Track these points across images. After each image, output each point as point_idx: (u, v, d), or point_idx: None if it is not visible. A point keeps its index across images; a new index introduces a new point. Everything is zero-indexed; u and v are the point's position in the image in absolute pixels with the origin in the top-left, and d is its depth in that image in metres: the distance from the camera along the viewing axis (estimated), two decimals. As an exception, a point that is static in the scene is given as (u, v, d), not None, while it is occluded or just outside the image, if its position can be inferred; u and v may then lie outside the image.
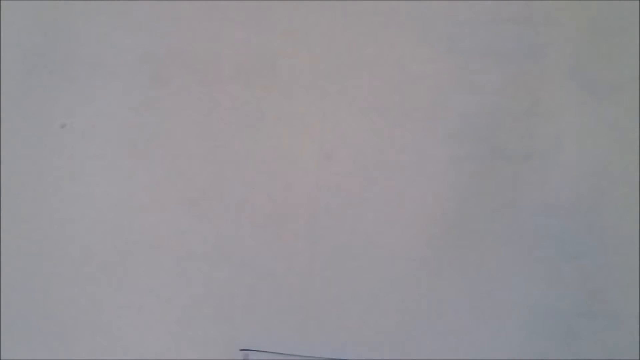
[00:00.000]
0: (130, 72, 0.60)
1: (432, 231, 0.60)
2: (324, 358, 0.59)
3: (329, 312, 0.59)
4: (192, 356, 0.59)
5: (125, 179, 0.60)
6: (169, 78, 0.60)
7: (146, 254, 0.59)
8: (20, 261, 0.59)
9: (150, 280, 0.59)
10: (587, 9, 0.60)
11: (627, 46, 0.60)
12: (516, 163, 0.60)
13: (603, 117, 0.59)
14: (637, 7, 0.60)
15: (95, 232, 0.59)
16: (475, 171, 0.60)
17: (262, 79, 0.60)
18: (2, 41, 0.58)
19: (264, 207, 0.60)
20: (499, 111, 0.60)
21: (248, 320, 0.59)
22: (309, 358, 0.59)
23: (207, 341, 0.59)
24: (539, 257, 0.59)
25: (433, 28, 0.61)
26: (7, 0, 0.58)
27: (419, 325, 0.59)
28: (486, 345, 0.59)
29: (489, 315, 0.59)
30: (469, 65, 0.59)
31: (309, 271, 0.59)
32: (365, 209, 0.60)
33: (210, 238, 0.60)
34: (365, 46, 0.61)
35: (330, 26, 0.61)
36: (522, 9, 0.61)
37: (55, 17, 0.60)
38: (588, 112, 0.59)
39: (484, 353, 0.59)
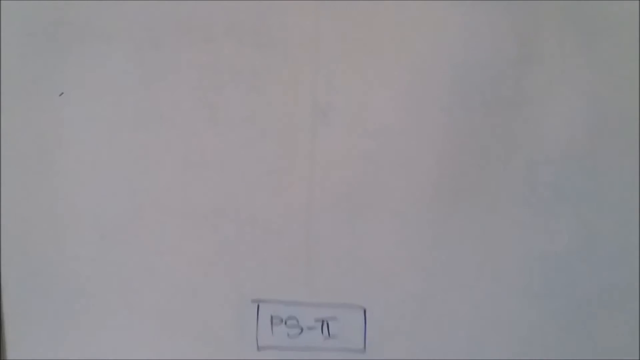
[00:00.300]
0: (123, 36, 0.60)
1: (428, 181, 0.59)
2: (331, 302, 0.61)
3: (332, 261, 0.60)
4: (208, 310, 0.62)
5: (128, 141, 0.62)
6: (160, 40, 0.60)
7: (153, 214, 0.62)
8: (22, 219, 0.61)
9: (159, 240, 0.62)
10: None
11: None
12: (509, 110, 0.58)
13: (597, 60, 0.57)
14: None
15: (101, 193, 0.62)
16: (468, 120, 0.59)
17: (254, 36, 0.59)
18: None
19: (261, 163, 0.61)
20: (490, 58, 0.58)
21: (256, 273, 0.62)
22: (317, 303, 0.61)
23: (219, 296, 0.62)
24: (535, 204, 0.57)
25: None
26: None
27: (417, 272, 0.60)
28: (485, 294, 0.59)
29: (489, 264, 0.59)
30: (458, 12, 0.57)
31: (310, 222, 0.60)
32: (361, 161, 0.60)
33: (212, 196, 0.61)
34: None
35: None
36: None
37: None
38: (582, 56, 0.57)
39: (483, 302, 0.59)
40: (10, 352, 0.63)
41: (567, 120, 0.57)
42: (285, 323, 0.61)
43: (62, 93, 0.63)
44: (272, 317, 0.61)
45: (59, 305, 0.63)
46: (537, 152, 0.58)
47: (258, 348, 0.62)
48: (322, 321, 0.61)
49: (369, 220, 0.60)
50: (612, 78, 0.56)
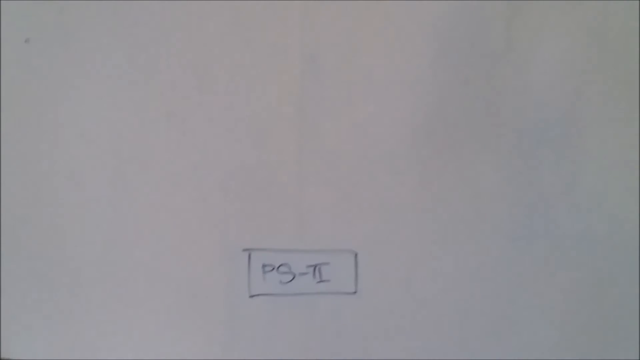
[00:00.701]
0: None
1: (416, 127, 0.60)
2: (315, 249, 0.62)
3: (323, 208, 0.61)
4: (197, 261, 0.61)
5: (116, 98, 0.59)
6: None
7: (138, 167, 0.61)
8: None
9: (152, 195, 0.61)
10: None
11: None
12: (497, 59, 0.58)
13: (587, 9, 0.57)
14: None
15: (95, 157, 0.61)
16: (455, 68, 0.59)
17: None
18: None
19: (249, 113, 0.59)
20: (480, 8, 0.60)
21: (246, 223, 0.62)
22: (303, 250, 0.62)
23: (209, 247, 0.62)
24: (521, 149, 0.59)
25: None
26: None
27: (407, 216, 0.61)
28: (472, 238, 0.61)
29: (476, 209, 0.60)
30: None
31: (300, 170, 0.60)
32: (350, 110, 0.60)
33: (199, 146, 0.60)
34: None
35: None
36: None
37: None
38: (571, 5, 0.57)
39: (470, 245, 0.61)
40: (4, 351, 0.62)
41: (554, 68, 0.59)
42: (277, 270, 0.62)
43: (28, 39, 0.58)
44: (263, 265, 0.62)
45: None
46: (523, 99, 0.59)
47: (250, 296, 0.62)
48: (314, 267, 0.62)
49: (359, 166, 0.61)
50: (599, 25, 0.58)
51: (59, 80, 0.60)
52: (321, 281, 0.62)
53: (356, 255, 0.62)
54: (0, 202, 0.60)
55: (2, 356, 0.61)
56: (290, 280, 0.62)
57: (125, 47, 0.59)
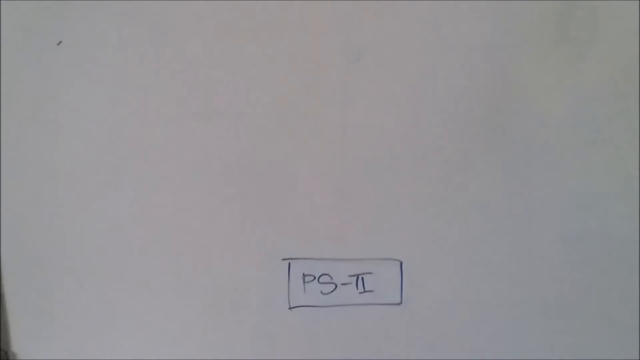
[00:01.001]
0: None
1: (464, 130, 0.56)
2: (358, 258, 0.59)
3: (365, 215, 0.58)
4: (236, 271, 0.59)
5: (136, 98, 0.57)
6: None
7: (175, 167, 0.58)
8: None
9: (189, 201, 0.58)
10: None
11: None
12: (552, 48, 0.55)
13: None
14: None
15: (123, 162, 0.58)
16: (504, 59, 0.55)
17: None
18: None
19: (289, 112, 0.57)
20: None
21: (285, 231, 0.59)
22: (345, 259, 0.59)
23: (248, 255, 0.59)
24: (575, 148, 0.55)
25: None
26: None
27: (453, 222, 0.58)
28: (523, 241, 0.57)
29: (525, 210, 0.57)
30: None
31: (342, 175, 0.57)
32: (394, 110, 0.57)
33: (238, 148, 0.57)
34: None
35: None
36: None
37: None
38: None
39: (521, 249, 0.58)
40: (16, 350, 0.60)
41: (610, 65, 0.56)
42: (318, 280, 0.59)
43: (60, 42, 0.56)
44: (304, 275, 0.59)
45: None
46: (579, 90, 0.56)
47: (290, 307, 0.59)
48: (357, 276, 0.59)
49: (403, 169, 0.58)
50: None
51: (63, 80, 0.57)
52: (364, 292, 0.59)
53: (401, 264, 0.59)
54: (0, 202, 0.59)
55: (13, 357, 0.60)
56: (332, 291, 0.59)
57: (148, 44, 0.57)
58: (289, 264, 0.59)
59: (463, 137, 0.57)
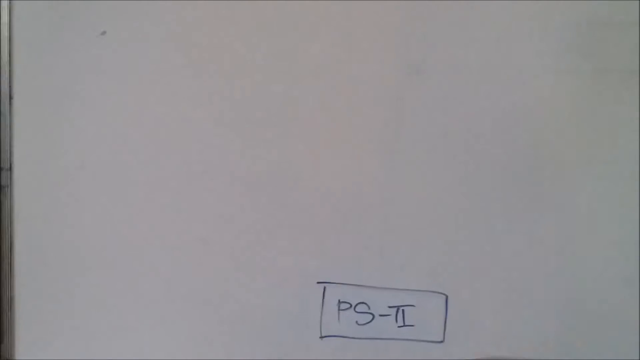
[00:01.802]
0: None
1: (524, 154, 0.53)
2: (400, 288, 0.55)
3: (411, 243, 0.53)
4: (269, 293, 0.54)
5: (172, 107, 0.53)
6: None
7: (214, 181, 0.54)
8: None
9: (211, 209, 0.54)
10: None
11: None
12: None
13: None
14: None
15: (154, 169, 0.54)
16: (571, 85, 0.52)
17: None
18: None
19: (336, 126, 0.53)
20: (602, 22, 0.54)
21: (323, 252, 0.55)
22: (385, 288, 0.54)
23: (279, 275, 0.54)
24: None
25: None
26: None
27: (504, 257, 0.53)
28: (572, 278, 0.53)
29: (573, 242, 0.53)
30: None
31: (389, 195, 0.53)
32: (450, 128, 0.53)
33: (275, 163, 0.53)
34: None
35: None
36: None
37: None
38: None
39: (571, 286, 0.54)
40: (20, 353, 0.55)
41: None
42: (354, 308, 0.54)
43: (104, 32, 0.54)
44: (339, 302, 0.54)
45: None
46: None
47: (321, 336, 0.54)
48: (397, 308, 0.54)
49: (455, 197, 0.54)
50: None
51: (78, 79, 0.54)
52: (404, 326, 0.54)
53: (447, 298, 0.54)
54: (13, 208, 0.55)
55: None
56: (369, 322, 0.54)
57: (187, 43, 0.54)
58: (324, 288, 0.54)
59: (522, 163, 0.53)
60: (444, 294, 0.54)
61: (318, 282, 0.54)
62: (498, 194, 0.54)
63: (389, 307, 0.54)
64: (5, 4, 0.54)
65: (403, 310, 0.54)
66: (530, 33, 0.52)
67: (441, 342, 0.54)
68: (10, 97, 0.54)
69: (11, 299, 0.56)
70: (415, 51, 0.53)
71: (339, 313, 0.54)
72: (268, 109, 0.53)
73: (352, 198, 0.54)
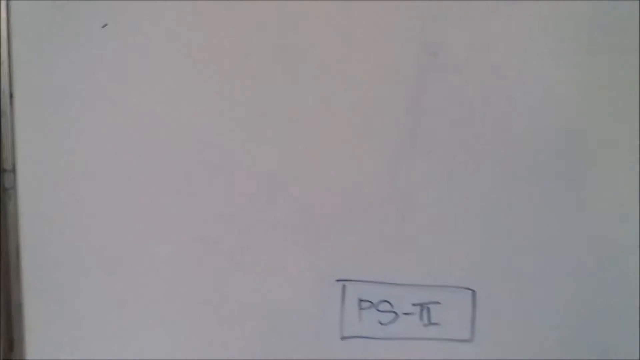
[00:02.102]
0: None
1: (550, 147, 0.50)
2: (424, 284, 0.52)
3: (434, 236, 0.51)
4: (287, 292, 0.52)
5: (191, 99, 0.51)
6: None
7: (221, 181, 0.51)
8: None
9: (229, 212, 0.51)
10: None
11: None
12: None
13: None
14: None
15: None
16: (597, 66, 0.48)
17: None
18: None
19: (353, 118, 0.50)
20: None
21: (342, 248, 0.52)
22: (409, 284, 0.52)
23: (297, 273, 0.52)
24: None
25: None
26: None
27: (533, 249, 0.50)
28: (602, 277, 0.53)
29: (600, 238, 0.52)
30: None
31: (410, 188, 0.50)
32: (472, 117, 0.49)
33: (290, 156, 0.51)
34: None
35: None
36: None
37: None
38: None
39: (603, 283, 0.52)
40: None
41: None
42: (377, 307, 0.51)
43: (106, 24, 0.51)
44: (360, 301, 0.52)
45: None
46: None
47: (342, 337, 0.52)
48: (422, 306, 0.51)
49: (480, 187, 0.51)
50: None
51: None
52: (430, 324, 0.52)
53: (474, 293, 0.51)
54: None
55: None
56: (392, 321, 0.52)
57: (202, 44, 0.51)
58: (344, 286, 0.51)
59: (548, 155, 0.50)
60: (471, 290, 0.51)
61: (337, 280, 0.52)
62: (526, 187, 0.51)
63: (413, 304, 0.51)
64: (3, 2, 0.52)
65: (428, 307, 0.51)
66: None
67: (469, 340, 0.51)
68: (11, 96, 0.52)
69: (20, 306, 0.54)
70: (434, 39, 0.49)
71: (360, 312, 0.52)
72: (266, 104, 0.50)
73: (372, 191, 0.51)
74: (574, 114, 0.50)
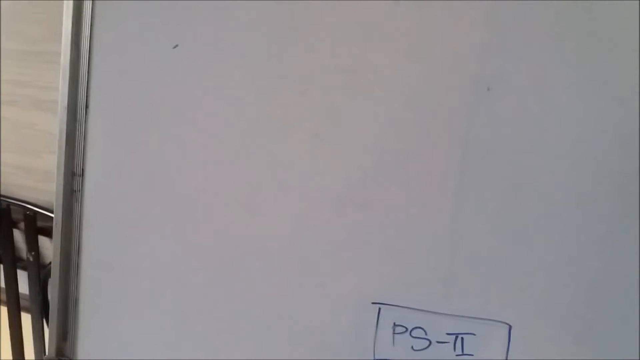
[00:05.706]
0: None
1: (601, 182, 0.50)
2: (464, 315, 0.52)
3: (477, 268, 0.50)
4: (324, 310, 0.53)
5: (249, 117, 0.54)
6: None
7: (273, 198, 0.54)
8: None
9: (277, 229, 0.54)
10: None
11: None
12: None
13: None
14: None
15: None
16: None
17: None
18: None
19: (403, 142, 0.51)
20: None
21: (381, 271, 0.53)
22: (445, 314, 0.52)
23: (333, 293, 0.53)
24: None
25: None
26: None
27: (573, 288, 0.49)
28: None
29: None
30: None
31: (457, 217, 0.50)
32: (522, 151, 0.49)
33: (340, 177, 0.52)
34: None
35: None
36: None
37: None
38: None
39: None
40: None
41: None
42: (410, 333, 0.52)
43: (177, 45, 0.55)
44: (394, 325, 0.52)
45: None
46: None
47: (374, 359, 0.52)
48: (456, 336, 0.51)
49: (527, 223, 0.50)
50: None
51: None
52: (462, 354, 0.51)
53: (510, 328, 0.51)
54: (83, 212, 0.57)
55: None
56: (425, 348, 0.52)
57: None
58: (379, 309, 0.52)
59: (600, 195, 0.49)
60: (508, 324, 0.51)
61: (373, 303, 0.53)
62: (572, 224, 0.50)
63: (447, 334, 0.52)
64: (88, 17, 0.57)
65: (462, 338, 0.51)
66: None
67: (503, 375, 0.51)
68: (86, 107, 0.57)
69: (76, 300, 0.58)
70: (488, 72, 0.50)
71: (393, 337, 0.52)
72: (325, 127, 0.53)
73: (418, 218, 0.52)
74: (636, 154, 0.49)
